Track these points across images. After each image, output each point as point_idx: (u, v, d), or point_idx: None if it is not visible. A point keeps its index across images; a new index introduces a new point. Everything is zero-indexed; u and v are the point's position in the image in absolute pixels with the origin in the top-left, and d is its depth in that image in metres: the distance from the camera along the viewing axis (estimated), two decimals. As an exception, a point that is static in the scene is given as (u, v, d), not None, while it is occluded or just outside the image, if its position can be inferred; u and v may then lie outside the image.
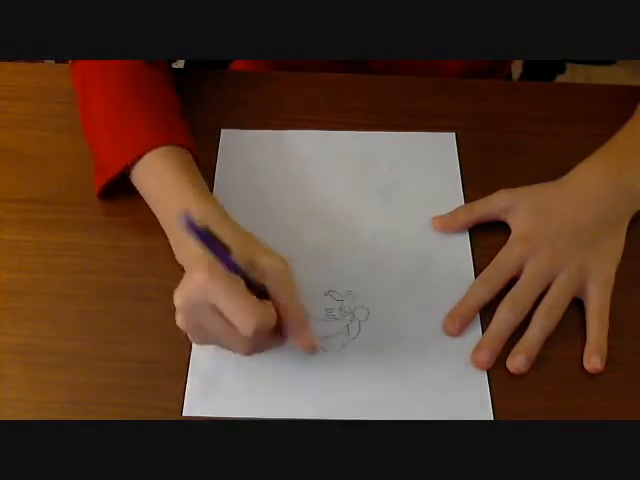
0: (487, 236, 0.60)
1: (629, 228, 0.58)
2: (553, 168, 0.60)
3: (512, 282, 0.56)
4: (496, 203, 0.59)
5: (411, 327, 0.55)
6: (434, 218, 0.60)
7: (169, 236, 0.55)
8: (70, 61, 0.65)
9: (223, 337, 0.48)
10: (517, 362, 0.53)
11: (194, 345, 0.53)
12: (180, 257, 0.54)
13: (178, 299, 0.47)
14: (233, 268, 0.46)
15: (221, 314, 0.46)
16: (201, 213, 0.52)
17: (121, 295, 0.56)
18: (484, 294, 0.55)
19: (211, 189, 0.61)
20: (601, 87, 0.71)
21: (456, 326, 0.55)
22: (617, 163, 0.59)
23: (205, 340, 0.50)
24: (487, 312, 0.55)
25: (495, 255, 0.57)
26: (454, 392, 0.52)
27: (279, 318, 0.48)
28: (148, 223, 0.57)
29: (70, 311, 0.55)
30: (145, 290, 0.56)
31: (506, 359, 0.53)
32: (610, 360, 0.53)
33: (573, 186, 0.59)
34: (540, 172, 0.61)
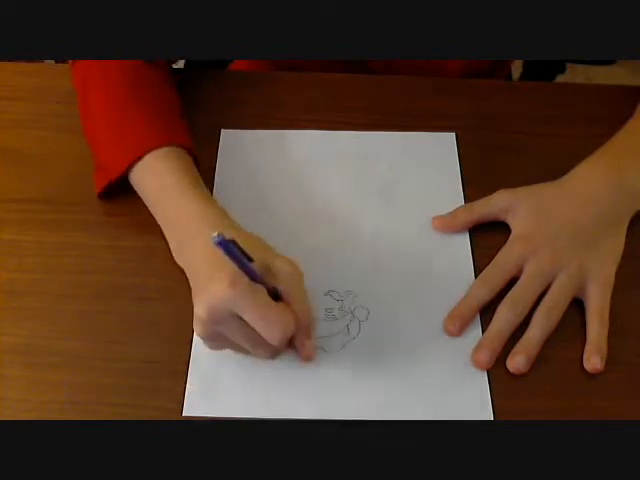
0: (487, 236, 0.60)
1: (629, 228, 0.58)
2: (553, 168, 0.60)
3: (512, 282, 0.56)
4: (496, 203, 0.59)
5: (411, 327, 0.55)
6: (434, 218, 0.60)
7: (168, 237, 0.55)
8: (70, 61, 0.65)
9: (247, 345, 0.48)
10: (517, 362, 0.53)
11: (194, 345, 0.53)
12: (180, 259, 0.54)
13: (201, 309, 0.46)
14: (255, 277, 0.47)
15: (246, 324, 0.46)
16: (205, 216, 0.52)
17: (121, 295, 0.56)
18: (484, 294, 0.55)
19: (211, 189, 0.61)
20: (601, 87, 0.71)
21: (456, 326, 0.55)
22: (617, 163, 0.59)
23: (222, 347, 0.50)
24: (487, 312, 0.55)
25: (495, 255, 0.57)
26: (454, 392, 0.52)
27: None
28: (148, 223, 0.57)
29: (70, 311, 0.55)
30: (145, 290, 0.56)
31: (506, 359, 0.53)
32: (610, 360, 0.53)
33: (573, 186, 0.59)
34: (540, 172, 0.61)
